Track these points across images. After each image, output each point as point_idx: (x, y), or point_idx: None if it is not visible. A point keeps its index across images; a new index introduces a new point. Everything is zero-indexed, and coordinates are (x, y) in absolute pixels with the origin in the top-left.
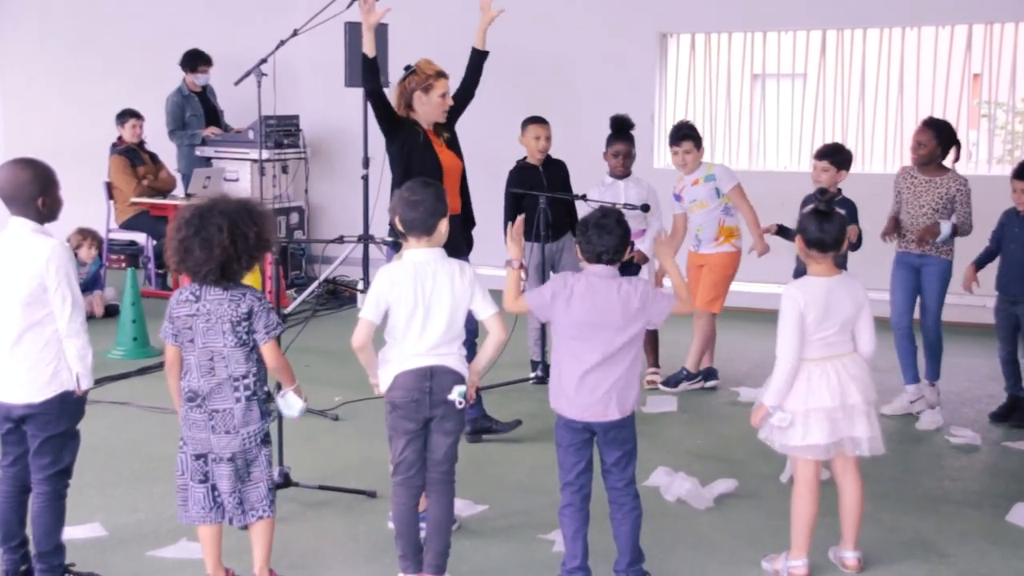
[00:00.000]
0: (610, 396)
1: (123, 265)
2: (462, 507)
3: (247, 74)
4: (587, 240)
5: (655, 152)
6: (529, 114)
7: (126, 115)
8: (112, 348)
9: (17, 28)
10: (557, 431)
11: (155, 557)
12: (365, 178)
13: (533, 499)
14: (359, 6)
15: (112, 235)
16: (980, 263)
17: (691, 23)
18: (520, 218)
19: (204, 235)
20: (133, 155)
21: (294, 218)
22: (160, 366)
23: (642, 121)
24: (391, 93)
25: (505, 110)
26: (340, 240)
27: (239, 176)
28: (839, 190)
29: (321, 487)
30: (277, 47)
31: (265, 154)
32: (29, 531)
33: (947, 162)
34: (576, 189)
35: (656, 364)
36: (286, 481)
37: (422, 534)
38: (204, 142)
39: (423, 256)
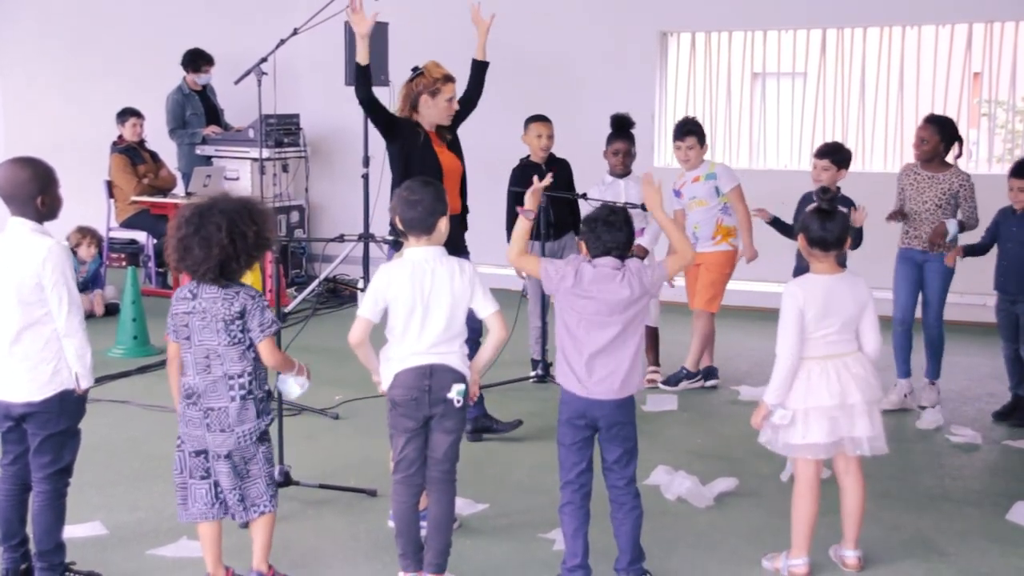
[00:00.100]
0: (618, 376)
1: (123, 264)
2: (463, 506)
3: (247, 73)
4: (596, 236)
5: (655, 151)
6: (529, 114)
7: (126, 114)
8: (112, 347)
9: (17, 28)
10: (559, 429)
11: (155, 556)
12: (365, 177)
13: (533, 498)
14: (349, 16)
15: (112, 234)
16: (969, 249)
17: (691, 22)
18: (548, 176)
19: (203, 234)
20: (133, 154)
21: (294, 217)
22: (161, 364)
23: (642, 120)
24: (397, 94)
25: (505, 110)
26: (340, 239)
27: (239, 175)
28: (838, 188)
29: (321, 486)
30: (277, 46)
31: (265, 153)
32: (29, 530)
33: (949, 158)
34: (577, 188)
35: (656, 363)
36: (286, 480)
37: (423, 533)
38: (204, 141)
39: (422, 255)
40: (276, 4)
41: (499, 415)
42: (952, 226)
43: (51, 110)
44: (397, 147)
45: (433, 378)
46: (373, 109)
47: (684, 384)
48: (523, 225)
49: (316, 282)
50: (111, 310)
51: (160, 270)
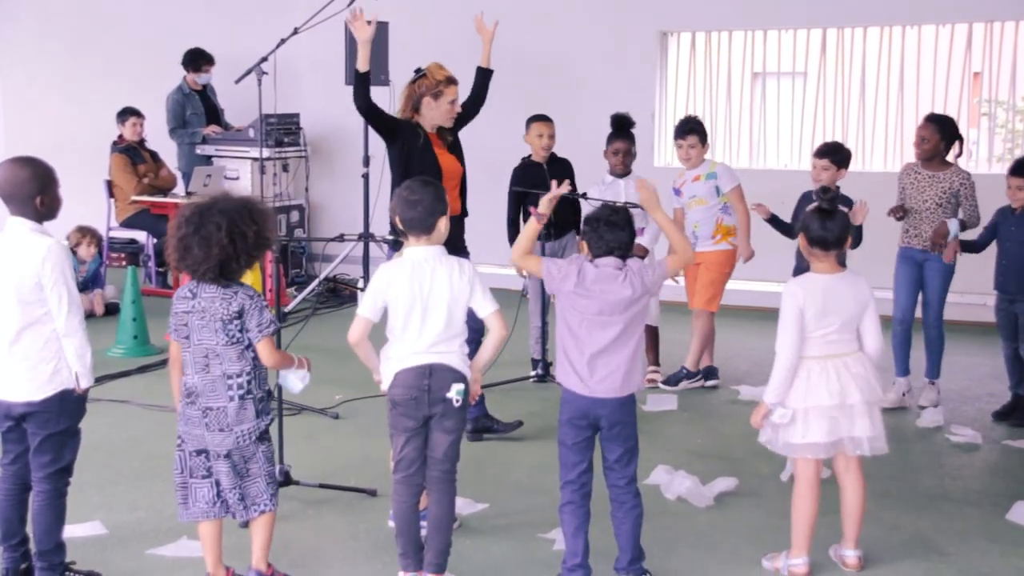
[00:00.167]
0: (619, 374)
1: (124, 263)
2: (463, 505)
3: (248, 72)
4: (598, 236)
5: (655, 150)
6: (529, 113)
7: (127, 113)
8: (112, 346)
9: (17, 28)
10: (561, 429)
11: (155, 555)
12: (365, 176)
13: (533, 498)
14: (349, 23)
15: (113, 233)
16: (966, 246)
17: (691, 22)
18: (566, 183)
19: (203, 233)
20: (134, 153)
21: (294, 216)
22: (160, 364)
23: (642, 120)
24: (396, 94)
25: (505, 110)
26: (340, 238)
27: (239, 174)
28: (838, 188)
29: (321, 485)
30: (277, 46)
31: (266, 152)
32: (29, 529)
33: (950, 157)
34: (578, 188)
35: (656, 363)
36: (286, 479)
37: (423, 532)
38: (205, 140)
39: (422, 254)
40: (276, 4)
41: (499, 415)
42: (953, 226)
43: (51, 110)
44: (397, 149)
45: (432, 378)
46: (372, 117)
47: (684, 384)
48: (533, 226)
49: (316, 282)
50: (111, 310)
51: (160, 270)
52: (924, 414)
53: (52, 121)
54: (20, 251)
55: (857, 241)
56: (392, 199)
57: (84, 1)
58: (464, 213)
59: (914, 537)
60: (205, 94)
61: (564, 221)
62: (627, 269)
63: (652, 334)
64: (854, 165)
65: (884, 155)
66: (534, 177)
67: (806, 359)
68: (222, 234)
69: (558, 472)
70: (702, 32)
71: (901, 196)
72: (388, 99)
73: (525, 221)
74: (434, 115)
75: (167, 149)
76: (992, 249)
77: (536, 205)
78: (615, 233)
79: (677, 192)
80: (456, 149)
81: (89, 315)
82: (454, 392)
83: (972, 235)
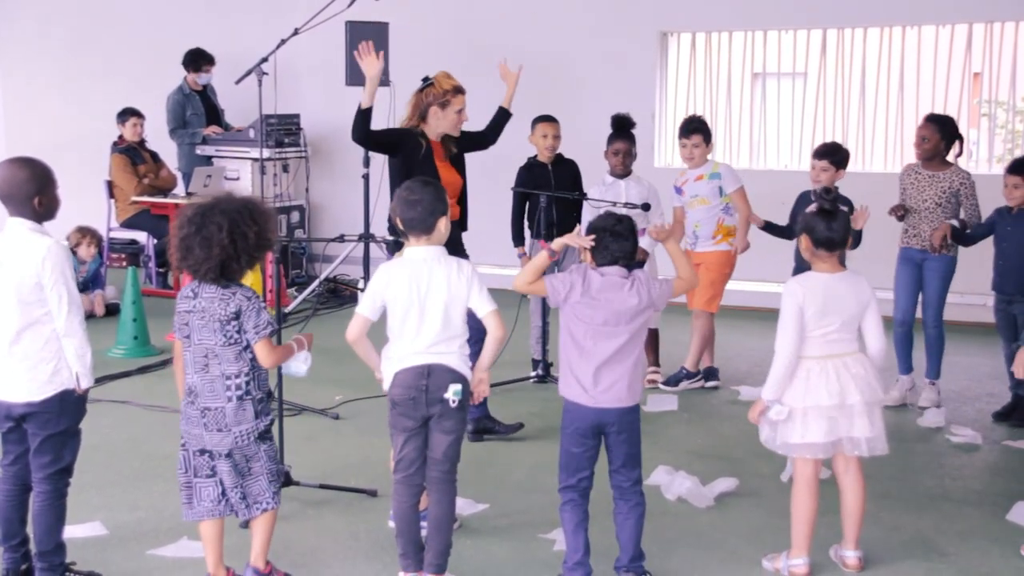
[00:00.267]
0: (623, 383)
1: (124, 264)
2: (463, 506)
3: (248, 73)
4: (603, 246)
5: (656, 151)
6: (529, 114)
7: (127, 114)
8: (113, 347)
9: (17, 28)
10: (566, 439)
11: (156, 556)
12: (366, 177)
13: (534, 498)
14: (358, 60)
15: (113, 234)
16: (959, 236)
17: (692, 22)
18: (590, 239)
19: (204, 234)
20: (134, 154)
21: (295, 217)
22: (161, 364)
23: (643, 120)
24: (395, 94)
25: None
26: (341, 239)
27: (240, 175)
28: (837, 189)
29: (322, 486)
30: (278, 46)
31: (266, 153)
32: (30, 530)
33: (950, 157)
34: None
35: (656, 363)
36: (287, 480)
37: (423, 533)
38: (205, 141)
39: (422, 254)
40: (276, 4)
41: (500, 415)
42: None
43: (51, 110)
44: (399, 159)
45: (431, 378)
46: (373, 144)
47: (684, 384)
48: (543, 259)
49: (316, 282)
50: (111, 310)
51: (160, 270)
52: (925, 414)
53: (52, 121)
54: (20, 251)
55: (856, 242)
56: (393, 200)
57: (84, 1)
58: (464, 226)
59: (914, 537)
60: (205, 94)
61: (567, 222)
62: (634, 278)
63: (652, 335)
64: (854, 165)
65: (884, 155)
66: (538, 178)
67: (806, 359)
68: (223, 234)
69: (558, 475)
70: (702, 32)
71: (901, 197)
72: (388, 100)
73: (530, 219)
74: (441, 124)
75: (167, 149)
76: (992, 249)
77: (537, 206)
78: (619, 243)
79: (678, 191)
80: (458, 162)
81: (89, 316)
82: (451, 392)
83: (978, 244)
